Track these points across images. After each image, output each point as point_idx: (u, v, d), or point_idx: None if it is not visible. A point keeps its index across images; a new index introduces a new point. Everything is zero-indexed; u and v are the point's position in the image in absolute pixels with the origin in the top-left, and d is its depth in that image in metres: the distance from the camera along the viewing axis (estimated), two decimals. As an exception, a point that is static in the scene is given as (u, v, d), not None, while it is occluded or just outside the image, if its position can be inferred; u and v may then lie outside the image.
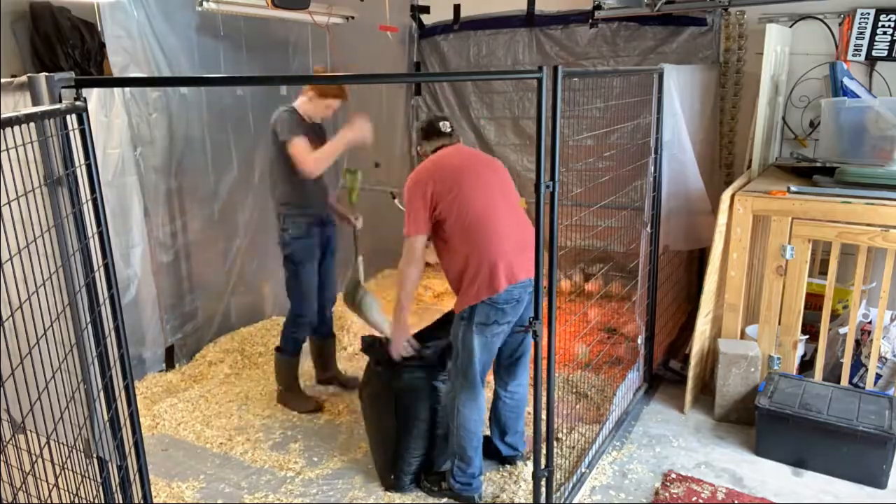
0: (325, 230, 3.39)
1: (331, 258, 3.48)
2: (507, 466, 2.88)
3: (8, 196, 1.28)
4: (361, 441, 3.12)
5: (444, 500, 2.69)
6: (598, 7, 4.50)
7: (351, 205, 3.43)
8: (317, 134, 3.25)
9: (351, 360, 3.99)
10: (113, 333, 1.63)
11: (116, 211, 3.44)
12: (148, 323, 3.70)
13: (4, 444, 1.49)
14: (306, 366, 3.72)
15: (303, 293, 3.34)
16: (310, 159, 3.09)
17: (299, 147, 3.09)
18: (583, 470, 2.79)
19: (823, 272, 3.47)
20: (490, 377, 2.80)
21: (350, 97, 3.36)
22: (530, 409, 2.91)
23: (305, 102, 3.23)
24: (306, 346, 3.58)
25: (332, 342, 3.70)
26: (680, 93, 3.38)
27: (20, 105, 1.68)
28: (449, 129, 2.70)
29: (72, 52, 3.81)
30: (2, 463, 1.44)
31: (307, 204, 3.27)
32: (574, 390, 3.45)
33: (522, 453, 2.91)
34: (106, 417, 1.64)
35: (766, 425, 2.89)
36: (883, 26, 3.75)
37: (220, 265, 4.12)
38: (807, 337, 3.35)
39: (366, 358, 2.84)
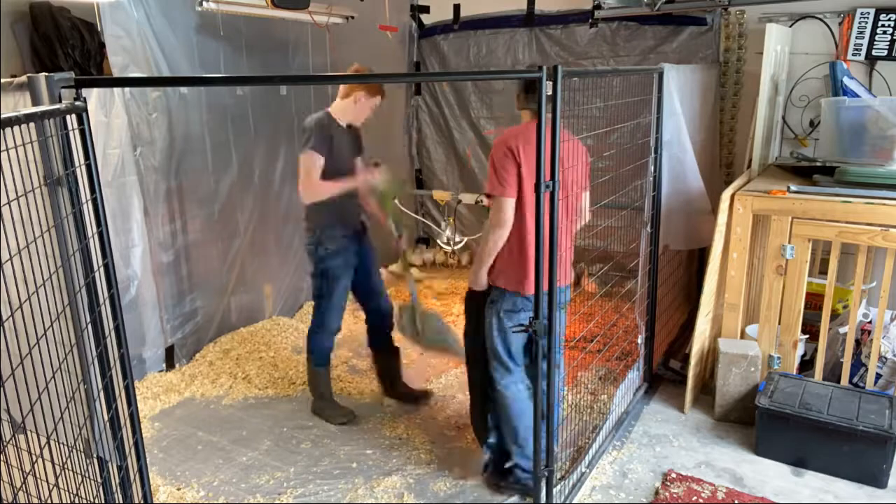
0: (361, 242, 3.25)
1: (374, 272, 3.34)
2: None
3: (8, 196, 1.28)
4: (362, 442, 3.12)
5: (513, 499, 2.68)
6: (597, 7, 4.50)
7: (384, 212, 3.22)
8: (352, 142, 3.16)
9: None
10: (113, 333, 1.63)
11: (116, 211, 3.44)
12: (148, 323, 3.70)
13: (4, 444, 1.49)
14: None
15: (333, 310, 3.20)
16: (309, 184, 2.96)
17: (309, 163, 2.95)
18: (583, 469, 2.79)
19: (823, 272, 3.47)
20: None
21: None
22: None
23: (347, 105, 3.07)
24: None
25: (396, 359, 3.48)
26: (680, 92, 3.38)
27: (20, 105, 1.69)
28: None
29: (72, 52, 3.80)
30: (2, 463, 1.44)
31: (343, 215, 3.12)
32: (575, 390, 3.45)
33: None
34: (106, 417, 1.64)
35: (766, 425, 2.89)
36: (883, 26, 3.75)
37: (220, 265, 4.12)
38: (807, 336, 3.35)
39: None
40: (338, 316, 3.24)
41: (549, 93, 2.05)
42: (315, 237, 3.10)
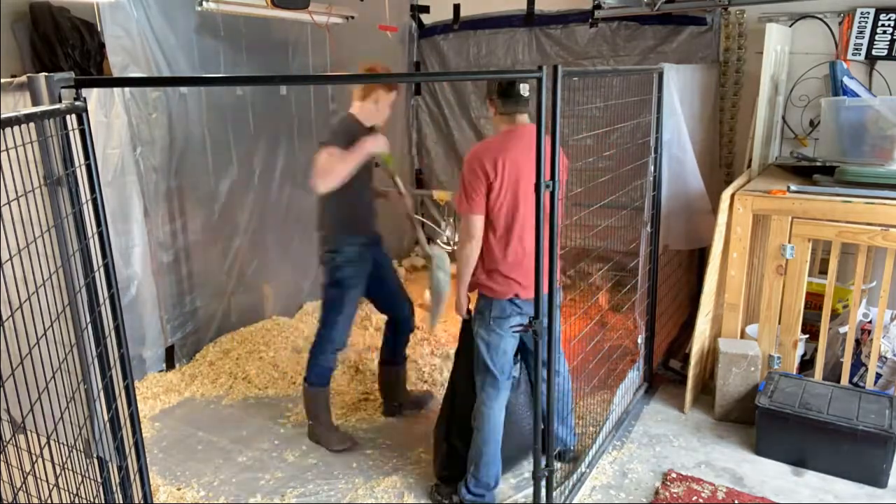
0: (376, 251, 3.14)
1: (391, 279, 3.26)
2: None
3: (8, 196, 1.28)
4: (363, 442, 3.12)
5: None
6: (597, 6, 4.50)
7: (388, 171, 3.10)
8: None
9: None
10: (113, 333, 1.63)
11: (116, 211, 3.44)
12: (148, 323, 3.70)
13: (4, 444, 1.49)
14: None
15: (341, 322, 3.04)
16: (321, 171, 2.75)
17: (322, 157, 2.77)
18: (583, 469, 2.79)
19: (823, 271, 3.47)
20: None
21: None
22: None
23: (368, 107, 2.94)
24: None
25: (403, 370, 3.40)
26: (680, 92, 3.38)
27: (20, 105, 1.69)
28: (527, 94, 2.47)
29: (71, 52, 3.80)
30: (2, 463, 1.44)
31: (357, 223, 3.03)
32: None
33: (573, 448, 2.89)
34: (106, 417, 1.64)
35: (766, 425, 2.89)
36: (883, 25, 3.74)
37: (220, 265, 4.12)
38: (807, 336, 3.34)
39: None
40: (345, 330, 3.08)
41: (550, 92, 2.04)
42: (331, 245, 3.00)
